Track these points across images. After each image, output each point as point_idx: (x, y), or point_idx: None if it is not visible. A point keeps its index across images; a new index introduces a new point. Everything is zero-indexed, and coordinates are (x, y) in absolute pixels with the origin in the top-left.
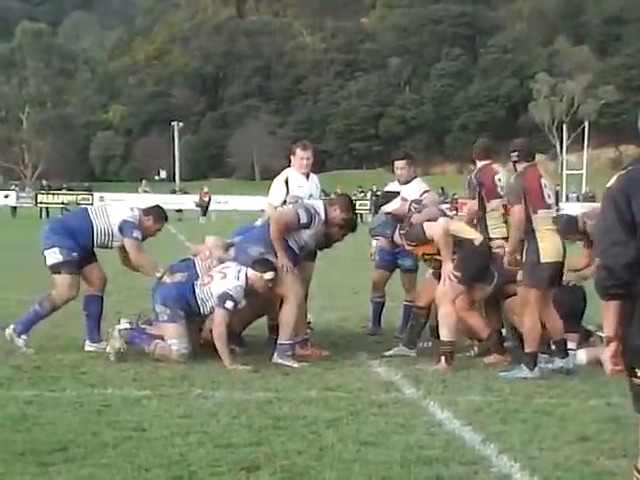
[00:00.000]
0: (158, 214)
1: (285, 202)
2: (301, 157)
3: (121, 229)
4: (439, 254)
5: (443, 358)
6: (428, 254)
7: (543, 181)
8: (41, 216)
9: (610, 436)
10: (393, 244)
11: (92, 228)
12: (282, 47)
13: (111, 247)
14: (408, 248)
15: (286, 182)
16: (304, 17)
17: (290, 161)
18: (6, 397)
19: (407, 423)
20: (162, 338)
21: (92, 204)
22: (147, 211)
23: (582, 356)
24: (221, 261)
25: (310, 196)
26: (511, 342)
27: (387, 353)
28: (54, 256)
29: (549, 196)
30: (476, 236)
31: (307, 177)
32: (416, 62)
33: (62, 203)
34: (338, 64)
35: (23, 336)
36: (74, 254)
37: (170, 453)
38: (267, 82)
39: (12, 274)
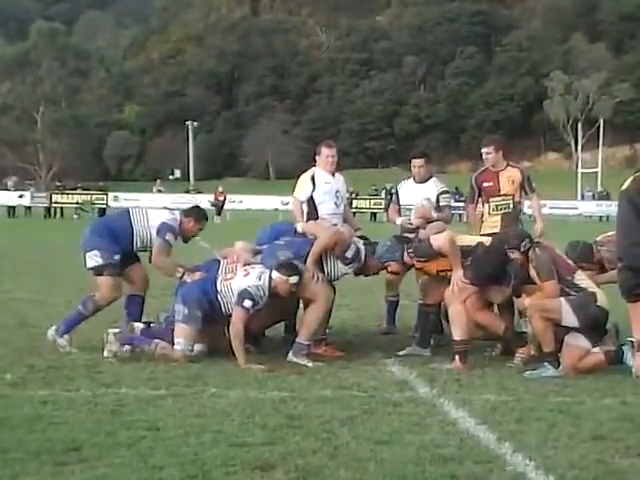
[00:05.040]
0: (198, 214)
1: (312, 198)
2: (327, 155)
3: (158, 230)
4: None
5: (457, 357)
6: (442, 270)
7: None
8: (55, 216)
9: (625, 435)
10: (405, 266)
11: (132, 233)
12: (296, 46)
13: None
14: (419, 267)
15: (312, 178)
16: (318, 15)
17: (315, 160)
18: (21, 397)
19: (422, 422)
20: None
21: (107, 204)
22: (187, 212)
23: None
24: (247, 265)
25: (337, 192)
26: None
27: (401, 353)
28: (95, 259)
29: None
30: (483, 240)
31: (333, 175)
32: (431, 61)
33: (77, 203)
34: (353, 63)
35: (65, 336)
36: (115, 257)
37: (184, 452)
38: (281, 81)
39: (28, 274)
